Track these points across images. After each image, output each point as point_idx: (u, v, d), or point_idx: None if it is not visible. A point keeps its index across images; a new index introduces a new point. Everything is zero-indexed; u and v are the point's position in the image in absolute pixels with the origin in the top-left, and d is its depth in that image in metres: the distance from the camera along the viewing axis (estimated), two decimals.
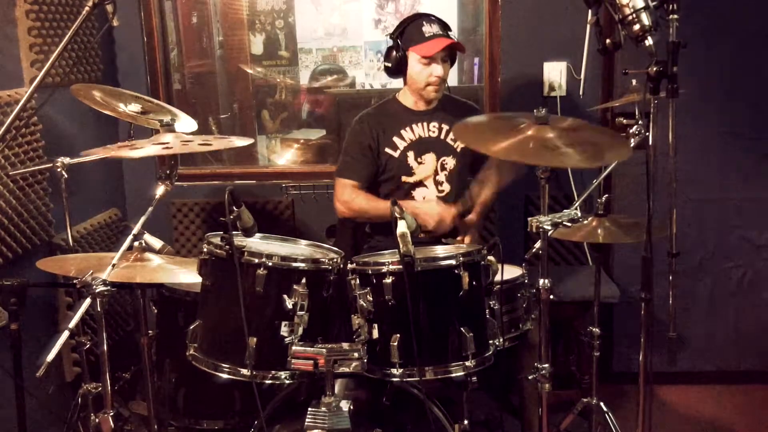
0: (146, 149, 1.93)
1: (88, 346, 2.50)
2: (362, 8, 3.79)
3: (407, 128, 2.65)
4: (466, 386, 2.15)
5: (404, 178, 2.65)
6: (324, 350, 1.87)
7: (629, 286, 3.11)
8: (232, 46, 3.97)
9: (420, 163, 2.65)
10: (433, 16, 2.60)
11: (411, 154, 2.64)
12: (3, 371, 2.24)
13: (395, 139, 2.64)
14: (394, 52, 2.58)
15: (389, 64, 2.60)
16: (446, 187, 2.66)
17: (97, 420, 2.24)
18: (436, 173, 2.66)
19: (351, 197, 2.64)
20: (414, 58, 2.55)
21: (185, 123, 2.65)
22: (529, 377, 2.00)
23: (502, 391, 2.88)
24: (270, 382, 1.98)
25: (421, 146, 2.65)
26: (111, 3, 2.17)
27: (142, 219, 1.90)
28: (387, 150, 2.64)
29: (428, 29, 2.53)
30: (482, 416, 2.75)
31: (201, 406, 2.42)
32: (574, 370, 3.09)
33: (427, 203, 2.62)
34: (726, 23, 3.04)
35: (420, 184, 2.66)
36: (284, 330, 1.93)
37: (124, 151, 1.93)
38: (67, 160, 2.42)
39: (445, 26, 2.58)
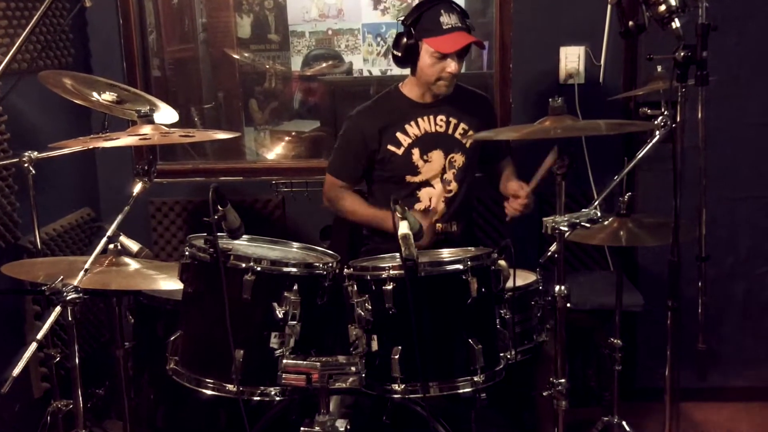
0: (122, 140, 1.93)
1: (58, 359, 2.50)
2: None
3: (412, 123, 2.65)
4: (475, 404, 2.15)
5: (409, 178, 2.65)
6: (318, 364, 1.87)
7: (654, 294, 3.10)
8: (217, 28, 3.97)
9: (426, 161, 2.65)
10: (453, 2, 2.56)
11: (416, 152, 2.64)
12: None
13: (399, 135, 2.64)
14: (405, 40, 2.55)
15: (398, 53, 2.58)
16: (454, 186, 2.67)
17: None
18: (443, 171, 2.66)
19: (337, 196, 2.72)
20: (427, 51, 2.53)
21: (165, 113, 2.65)
22: (544, 394, 2.01)
23: (515, 409, 2.88)
24: (258, 398, 1.98)
25: (427, 142, 2.65)
26: None
27: (118, 219, 1.90)
28: (389, 147, 2.64)
29: (446, 20, 2.50)
30: None
31: (182, 426, 2.42)
32: (594, 385, 3.09)
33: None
34: (760, 3, 3.04)
35: (426, 183, 2.66)
36: (274, 341, 1.94)
37: (97, 143, 1.94)
38: (34, 154, 2.42)
39: (464, 16, 2.56)
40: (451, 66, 2.53)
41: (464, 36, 2.50)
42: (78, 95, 2.51)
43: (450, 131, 2.67)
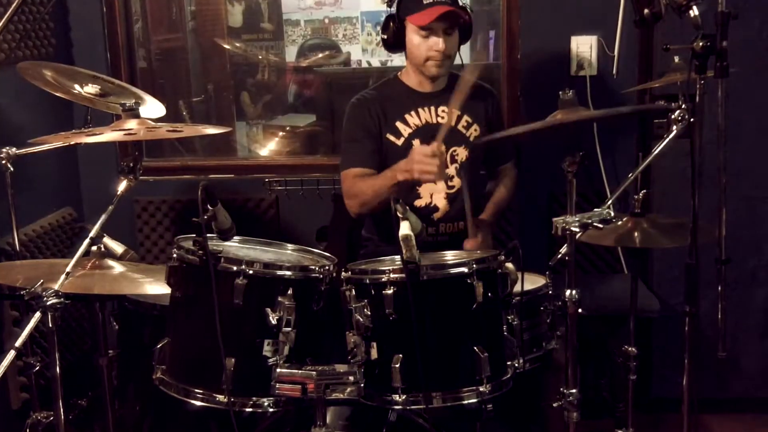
0: (106, 135, 1.93)
1: (37, 368, 2.50)
2: None
3: (412, 113, 2.66)
4: (481, 415, 2.16)
5: None
6: (314, 373, 1.88)
7: (671, 298, 3.11)
8: (207, 17, 3.97)
9: None
10: None
11: (416, 143, 2.64)
12: None
13: (398, 124, 2.65)
14: (392, 23, 2.59)
15: (386, 37, 2.62)
16: (456, 182, 2.67)
17: None
18: (445, 166, 2.66)
19: (354, 185, 2.59)
20: (412, 29, 2.55)
21: (151, 107, 2.65)
22: (554, 405, 2.01)
23: (523, 421, 2.88)
24: (251, 410, 1.98)
25: (428, 133, 2.65)
26: None
27: (101, 219, 1.90)
28: (389, 137, 2.64)
29: None
30: None
31: None
32: (607, 396, 3.09)
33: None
34: None
35: None
36: (267, 349, 1.94)
37: (79, 138, 1.94)
38: (13, 150, 2.43)
39: None
40: (439, 44, 2.52)
41: (442, 8, 2.48)
42: (59, 88, 2.51)
43: (453, 123, 2.67)
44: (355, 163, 2.63)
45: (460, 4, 2.59)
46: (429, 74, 2.62)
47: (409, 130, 2.65)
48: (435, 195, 2.67)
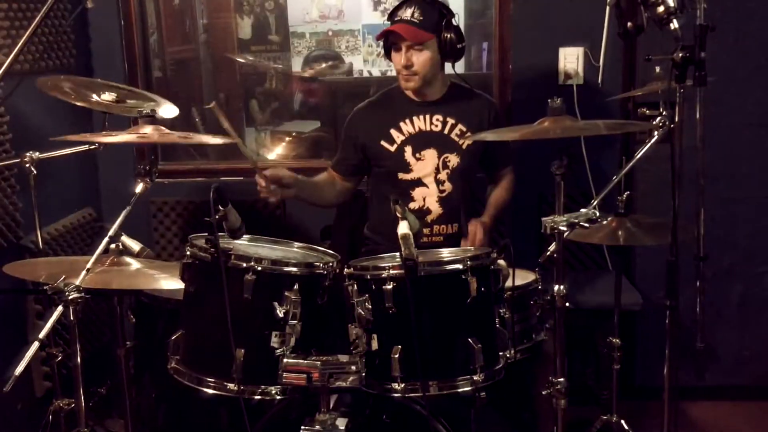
0: (121, 136, 1.93)
1: (60, 358, 2.50)
2: None
3: (407, 120, 2.65)
4: (474, 402, 2.15)
5: (401, 175, 2.65)
6: (318, 363, 1.87)
7: (653, 293, 3.11)
8: (218, 29, 3.97)
9: (419, 159, 2.65)
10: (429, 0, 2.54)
11: (409, 149, 2.64)
12: None
13: (393, 131, 2.65)
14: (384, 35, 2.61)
15: (383, 47, 2.66)
16: (448, 187, 2.66)
17: None
18: (437, 171, 2.65)
19: None
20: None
21: (165, 109, 2.66)
22: (543, 392, 2.01)
23: (514, 408, 2.88)
24: (259, 397, 1.98)
25: (420, 141, 2.65)
26: None
27: (119, 219, 1.91)
28: (383, 143, 2.65)
29: (403, 12, 2.51)
30: None
31: (183, 425, 2.42)
32: (593, 384, 3.09)
33: None
34: (758, 4, 3.04)
35: (419, 182, 2.66)
36: (275, 341, 1.94)
37: (98, 138, 1.94)
38: (36, 154, 2.43)
39: (427, 11, 2.50)
40: (400, 59, 2.54)
41: (396, 25, 2.50)
42: (77, 97, 2.51)
43: (446, 131, 2.66)
44: (334, 167, 2.79)
45: (453, 24, 2.56)
46: (402, 87, 2.63)
47: (402, 137, 2.65)
48: (427, 198, 2.66)
